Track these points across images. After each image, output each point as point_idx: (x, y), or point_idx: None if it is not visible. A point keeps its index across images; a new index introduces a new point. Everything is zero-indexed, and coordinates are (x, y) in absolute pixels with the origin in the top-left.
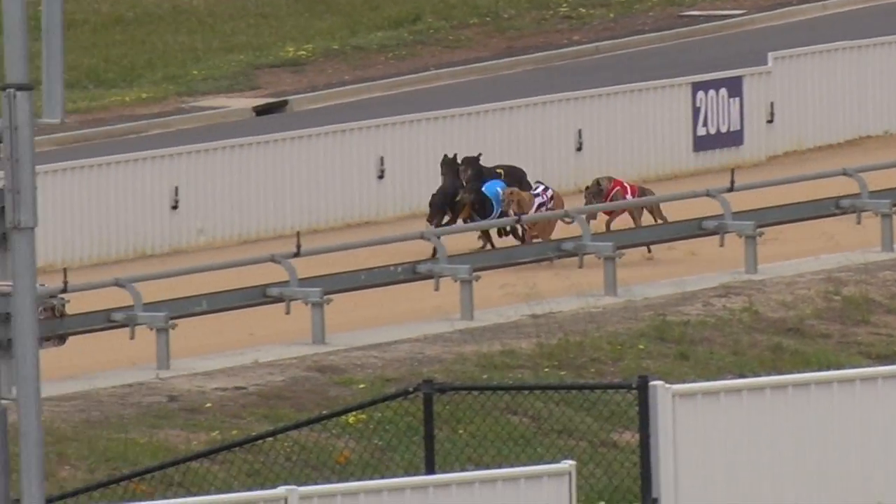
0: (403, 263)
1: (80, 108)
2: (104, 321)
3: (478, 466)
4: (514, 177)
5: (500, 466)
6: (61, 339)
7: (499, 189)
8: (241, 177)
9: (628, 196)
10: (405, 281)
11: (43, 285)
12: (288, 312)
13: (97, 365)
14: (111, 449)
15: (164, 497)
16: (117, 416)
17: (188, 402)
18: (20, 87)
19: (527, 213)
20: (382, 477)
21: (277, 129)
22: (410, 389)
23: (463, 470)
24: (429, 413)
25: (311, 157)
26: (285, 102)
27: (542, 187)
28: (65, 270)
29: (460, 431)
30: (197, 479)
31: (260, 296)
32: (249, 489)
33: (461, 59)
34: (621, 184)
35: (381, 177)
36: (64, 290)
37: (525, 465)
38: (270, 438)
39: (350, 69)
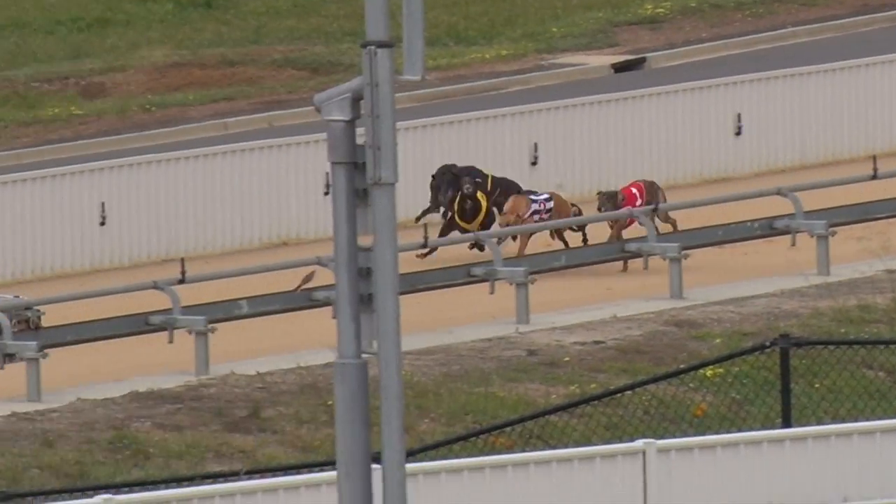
0: (760, 219)
1: (440, 66)
2: (464, 276)
3: (834, 420)
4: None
5: (855, 420)
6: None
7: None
8: (599, 133)
9: (638, 203)
10: (761, 236)
11: (17, 297)
12: (646, 268)
13: (457, 319)
14: (471, 402)
15: (524, 450)
16: (477, 370)
17: (547, 356)
18: (381, 45)
19: (522, 216)
20: (739, 430)
21: (635, 86)
22: (767, 344)
23: (819, 423)
24: (785, 367)
25: (668, 114)
26: (643, 59)
27: (544, 195)
28: (425, 227)
29: (816, 385)
30: (555, 433)
31: (618, 251)
32: (607, 442)
33: (817, 17)
34: (629, 191)
35: (738, 133)
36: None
37: (881, 419)
38: (629, 392)
39: (707, 27)
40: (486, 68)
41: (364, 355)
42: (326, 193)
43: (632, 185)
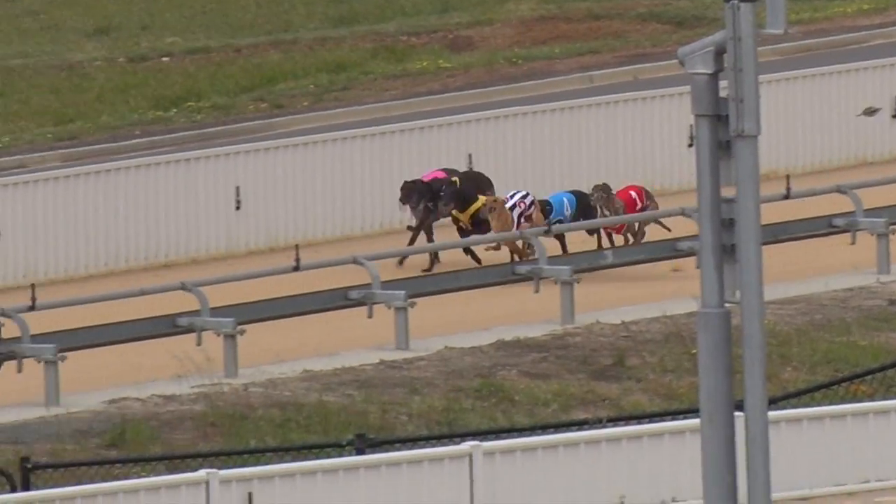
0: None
1: (802, 20)
2: (826, 227)
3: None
4: (474, 181)
5: None
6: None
7: (564, 198)
8: None
9: (637, 208)
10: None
11: None
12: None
13: (817, 269)
14: (832, 351)
15: (884, 398)
16: (839, 319)
17: None
18: (744, 0)
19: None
20: None
21: None
22: None
23: None
24: None
25: None
26: None
27: (519, 194)
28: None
29: None
30: None
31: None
32: None
33: None
34: (627, 195)
35: None
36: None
37: None
38: None
39: None
40: (847, 22)
41: (727, 304)
42: (690, 145)
43: (629, 188)
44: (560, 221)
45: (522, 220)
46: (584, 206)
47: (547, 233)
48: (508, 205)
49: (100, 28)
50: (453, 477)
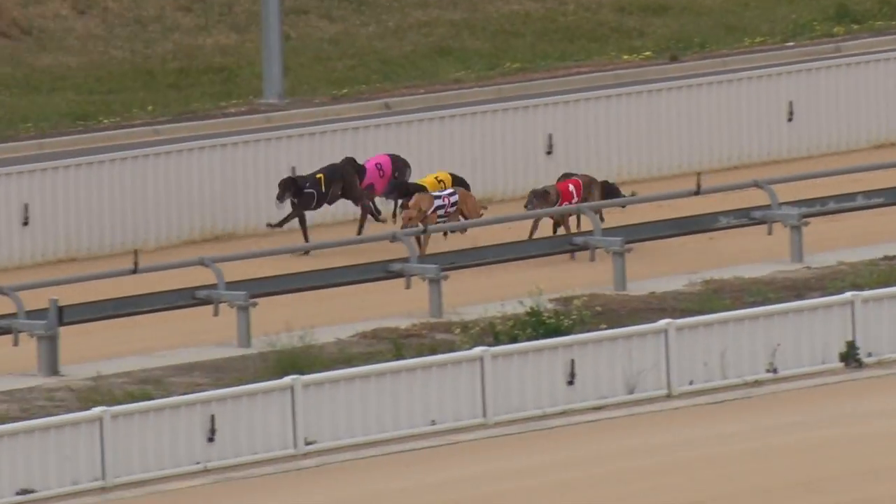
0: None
1: None
2: None
3: None
4: (336, 173)
5: None
6: None
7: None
8: None
9: (574, 201)
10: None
11: None
12: None
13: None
14: None
15: None
16: None
17: None
18: None
19: (427, 215)
20: None
21: None
22: None
23: None
24: None
25: None
26: None
27: (448, 192)
28: None
29: None
30: None
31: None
32: None
33: None
34: (565, 187)
35: None
36: None
37: None
38: None
39: None
40: None
41: None
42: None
43: (569, 181)
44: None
45: (444, 215)
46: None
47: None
48: (434, 205)
49: None
50: None
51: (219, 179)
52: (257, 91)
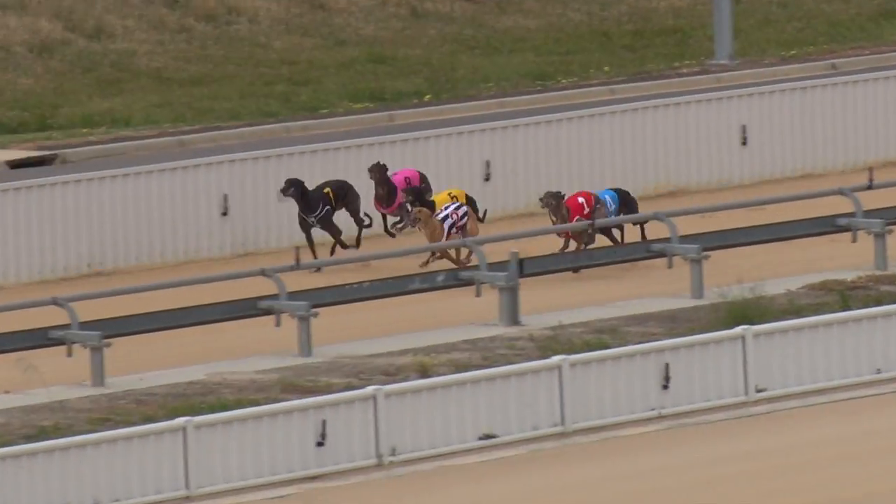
0: None
1: None
2: None
3: None
4: (342, 191)
5: None
6: None
7: (607, 196)
8: None
9: (585, 213)
10: None
11: None
12: None
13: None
14: None
15: None
16: None
17: None
18: None
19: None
20: None
21: None
22: None
23: None
24: None
25: None
26: None
27: (454, 206)
28: None
29: None
30: None
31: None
32: None
33: None
34: (575, 201)
35: None
36: None
37: None
38: None
39: None
40: None
41: None
42: None
43: (578, 194)
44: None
45: (455, 230)
46: (626, 201)
47: (591, 227)
48: (441, 215)
49: None
50: None
51: (672, 137)
52: (709, 52)
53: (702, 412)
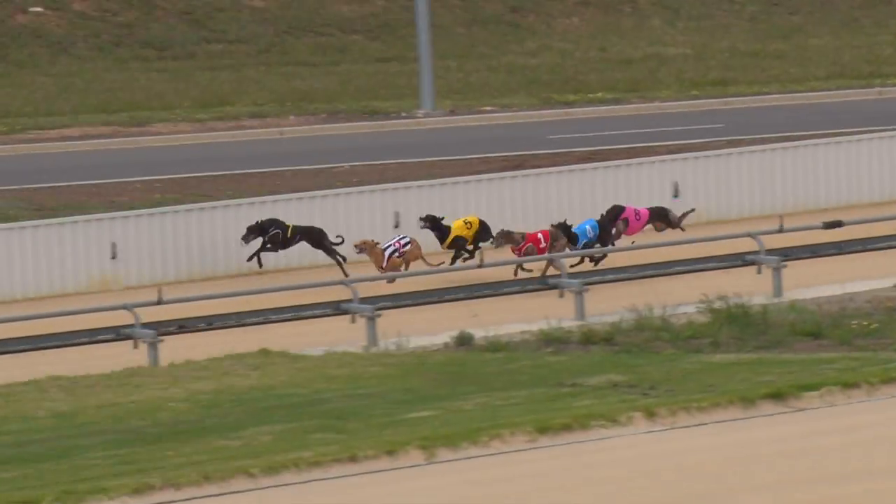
0: None
1: None
2: None
3: None
4: (312, 236)
5: None
6: None
7: (587, 226)
8: None
9: (542, 246)
10: None
11: None
12: None
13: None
14: None
15: None
16: None
17: None
18: None
19: (379, 258)
20: None
21: None
22: None
23: None
24: None
25: None
26: None
27: (399, 237)
28: None
29: None
30: None
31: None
32: None
33: None
34: (536, 237)
35: None
36: None
37: None
38: None
39: None
40: None
41: None
42: None
43: (539, 231)
44: (588, 245)
45: (396, 255)
46: (605, 231)
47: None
48: (384, 245)
49: None
50: None
51: None
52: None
53: None
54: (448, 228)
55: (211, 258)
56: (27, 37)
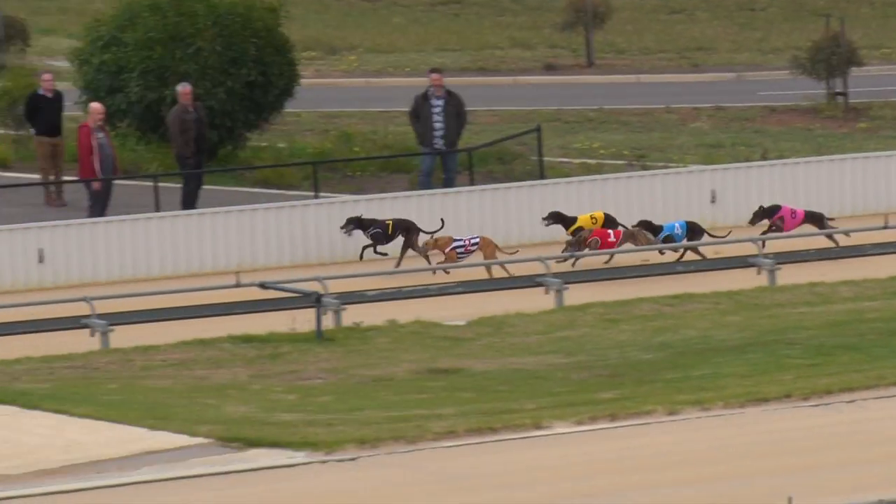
0: None
1: None
2: None
3: None
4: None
5: None
6: None
7: (676, 224)
8: None
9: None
10: None
11: None
12: None
13: None
14: None
15: None
16: None
17: None
18: None
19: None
20: None
21: None
22: None
23: None
24: None
25: None
26: None
27: (470, 237)
28: None
29: None
30: None
31: None
32: None
33: None
34: (604, 232)
35: None
36: None
37: None
38: None
39: None
40: None
41: None
42: None
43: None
44: (670, 239)
45: (461, 250)
46: (693, 231)
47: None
48: (454, 245)
49: None
50: None
51: None
52: None
53: None
54: (574, 220)
55: None
56: None
